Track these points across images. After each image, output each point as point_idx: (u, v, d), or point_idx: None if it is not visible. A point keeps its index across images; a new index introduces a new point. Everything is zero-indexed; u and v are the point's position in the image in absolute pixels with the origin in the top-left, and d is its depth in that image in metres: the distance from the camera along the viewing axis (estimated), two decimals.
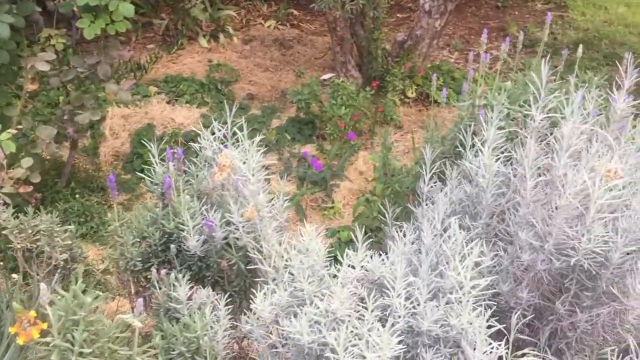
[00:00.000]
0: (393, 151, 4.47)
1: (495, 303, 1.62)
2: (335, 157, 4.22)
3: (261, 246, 1.71)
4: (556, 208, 1.42)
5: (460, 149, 2.15)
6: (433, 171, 1.91)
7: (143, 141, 4.26)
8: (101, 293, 1.30)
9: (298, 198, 3.72)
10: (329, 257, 1.78)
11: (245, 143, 1.74)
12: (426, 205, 1.85)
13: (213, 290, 1.79)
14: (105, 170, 4.07)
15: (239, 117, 4.81)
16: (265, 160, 4.31)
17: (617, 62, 5.98)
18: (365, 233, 3.63)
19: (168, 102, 4.93)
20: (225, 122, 4.76)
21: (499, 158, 1.82)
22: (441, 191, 1.92)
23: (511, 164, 1.88)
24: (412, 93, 5.17)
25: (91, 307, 1.23)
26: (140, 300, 1.30)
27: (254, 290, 1.67)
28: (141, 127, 4.49)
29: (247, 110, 5.01)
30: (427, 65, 5.40)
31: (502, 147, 1.93)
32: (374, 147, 4.53)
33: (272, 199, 2.01)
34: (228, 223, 1.73)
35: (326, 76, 5.38)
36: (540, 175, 1.60)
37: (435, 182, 2.00)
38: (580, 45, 2.56)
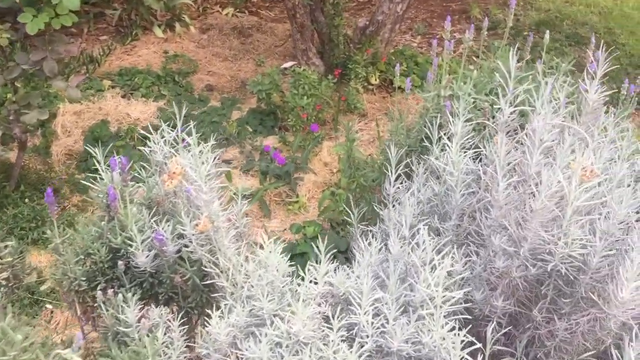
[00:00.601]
0: (358, 140, 4.37)
1: (469, 310, 1.53)
2: (299, 149, 4.09)
3: (217, 259, 1.58)
4: (531, 211, 1.32)
5: (427, 143, 2.05)
6: (398, 171, 1.80)
7: (95, 140, 4.11)
8: (34, 328, 1.17)
9: (261, 193, 3.59)
10: (292, 263, 1.66)
11: (195, 149, 1.59)
12: (393, 206, 1.74)
13: (167, 307, 1.66)
14: (57, 171, 3.88)
15: (198, 109, 4.66)
16: (225, 154, 4.16)
17: (579, 42, 5.97)
18: (332, 227, 3.54)
19: (123, 97, 4.74)
20: (184, 116, 4.59)
21: (468, 154, 1.72)
22: (408, 191, 1.81)
23: (480, 160, 1.78)
24: (376, 80, 5.07)
25: (22, 346, 1.09)
26: (79, 334, 1.17)
27: (212, 308, 1.55)
28: (95, 123, 4.30)
29: (206, 102, 4.85)
30: (389, 50, 5.30)
31: (469, 140, 1.83)
32: (338, 137, 4.42)
33: (230, 201, 1.88)
34: (181, 235, 1.60)
35: (287, 64, 5.23)
36: (512, 174, 1.50)
37: (401, 183, 1.89)
38: (547, 32, 2.47)
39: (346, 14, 6.30)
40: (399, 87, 5.01)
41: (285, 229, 3.52)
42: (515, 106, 1.71)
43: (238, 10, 6.35)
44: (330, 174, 3.97)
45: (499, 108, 1.89)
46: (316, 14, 4.98)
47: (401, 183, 1.92)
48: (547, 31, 2.38)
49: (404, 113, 2.69)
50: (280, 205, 3.70)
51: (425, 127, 2.34)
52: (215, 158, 2.12)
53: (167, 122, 4.29)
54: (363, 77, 4.74)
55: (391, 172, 1.74)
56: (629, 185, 1.52)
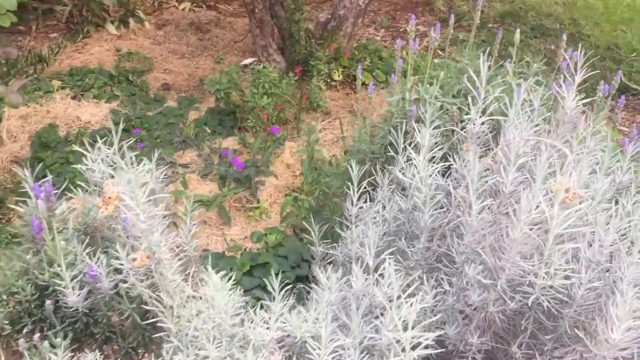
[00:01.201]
0: (321, 140, 4.21)
1: (441, 342, 1.38)
2: (260, 150, 3.91)
3: (159, 295, 1.40)
4: (509, 239, 1.18)
5: (392, 151, 1.89)
6: (361, 188, 1.64)
7: (42, 145, 3.87)
8: None
9: (220, 200, 3.40)
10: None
11: (130, 174, 1.41)
12: (356, 226, 1.58)
13: (106, 345, 1.49)
14: (1, 180, 3.65)
15: (153, 109, 4.44)
16: (182, 157, 3.96)
17: (545, 34, 5.88)
18: (295, 234, 3.37)
19: (73, 98, 4.50)
20: (138, 117, 4.37)
21: (437, 168, 1.57)
22: (373, 205, 1.65)
23: (450, 174, 1.63)
24: (339, 76, 4.91)
25: None
26: None
27: (155, 347, 1.38)
28: (42, 127, 4.06)
29: (162, 102, 4.63)
30: (353, 45, 5.14)
31: (437, 147, 1.68)
32: (301, 137, 4.25)
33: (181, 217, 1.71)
34: (118, 270, 1.41)
35: (247, 61, 5.04)
36: (486, 194, 1.35)
37: (365, 201, 1.73)
38: (518, 31, 2.33)
39: (308, 7, 6.13)
40: (363, 83, 4.86)
41: (246, 237, 3.35)
42: (487, 112, 1.56)
43: (195, 4, 6.13)
44: (292, 176, 3.80)
45: (468, 113, 1.75)
46: (276, 8, 4.80)
47: (365, 201, 1.77)
48: (517, 30, 2.24)
49: (369, 114, 2.54)
50: (241, 211, 3.53)
51: (389, 133, 2.19)
52: (161, 174, 1.94)
53: (119, 125, 4.08)
54: (325, 74, 4.58)
55: (353, 191, 1.58)
56: (616, 203, 1.39)
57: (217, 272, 3.08)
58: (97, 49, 5.39)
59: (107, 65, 5.02)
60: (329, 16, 4.65)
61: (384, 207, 1.62)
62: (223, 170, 3.60)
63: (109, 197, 1.45)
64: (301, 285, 3.04)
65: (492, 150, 1.64)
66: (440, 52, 5.58)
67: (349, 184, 1.59)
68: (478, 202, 1.27)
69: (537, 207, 1.16)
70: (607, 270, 1.21)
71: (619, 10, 5.92)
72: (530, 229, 1.15)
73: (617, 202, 1.47)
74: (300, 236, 3.28)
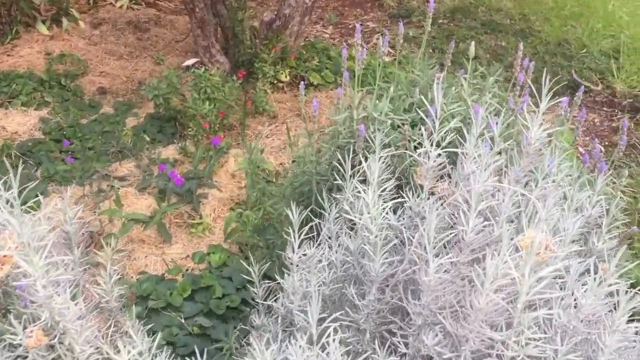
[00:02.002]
0: (268, 147, 4.01)
1: None
2: (202, 160, 3.68)
3: None
4: (472, 308, 1.01)
5: (338, 177, 1.71)
6: (305, 215, 1.45)
7: None
8: None
9: (159, 217, 3.17)
10: None
11: (25, 228, 1.18)
12: (299, 275, 1.38)
13: None
14: None
15: (88, 116, 4.16)
16: (118, 169, 3.71)
17: (495, 29, 5.78)
18: (241, 251, 3.16)
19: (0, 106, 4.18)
20: (70, 126, 4.08)
21: (388, 205, 1.39)
22: (317, 249, 1.46)
23: (403, 209, 1.45)
24: (286, 77, 4.70)
25: None
26: None
27: None
28: None
29: (97, 108, 4.35)
30: (300, 44, 4.93)
31: (388, 171, 1.51)
32: (247, 143, 4.04)
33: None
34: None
35: (189, 62, 4.78)
36: (445, 246, 1.18)
37: (310, 237, 1.54)
38: (473, 44, 2.15)
39: (253, 4, 5.90)
40: (312, 84, 4.67)
41: (188, 256, 3.12)
42: (443, 129, 1.39)
43: (134, 2, 5.83)
44: (238, 187, 3.59)
45: (420, 132, 1.57)
46: (218, 6, 4.56)
47: (310, 237, 1.58)
48: (473, 43, 2.07)
49: (313, 127, 2.35)
50: (182, 228, 3.30)
51: (337, 152, 2.00)
52: (76, 213, 1.73)
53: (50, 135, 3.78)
54: (271, 76, 4.36)
55: (294, 237, 1.39)
56: (585, 242, 1.23)
57: (157, 296, 2.85)
58: (27, 50, 5.06)
59: (38, 68, 4.70)
60: (274, 15, 4.44)
61: (330, 248, 1.44)
62: (162, 183, 3.37)
63: (4, 256, 1.22)
64: (247, 310, 2.85)
65: (449, 177, 1.47)
66: (391, 50, 5.42)
67: (290, 229, 1.40)
68: (436, 259, 1.10)
69: (505, 264, 0.99)
70: (586, 339, 1.06)
71: (568, 5, 5.86)
72: (498, 291, 0.98)
73: (586, 241, 1.32)
74: (246, 254, 3.07)
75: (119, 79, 4.82)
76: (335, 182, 1.73)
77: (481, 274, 0.95)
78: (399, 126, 1.99)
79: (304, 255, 1.36)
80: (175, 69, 4.22)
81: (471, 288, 1.10)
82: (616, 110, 4.61)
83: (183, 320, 2.66)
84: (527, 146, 1.28)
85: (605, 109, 4.66)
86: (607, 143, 4.31)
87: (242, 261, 2.99)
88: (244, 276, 2.87)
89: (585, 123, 4.47)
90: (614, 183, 2.06)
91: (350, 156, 1.79)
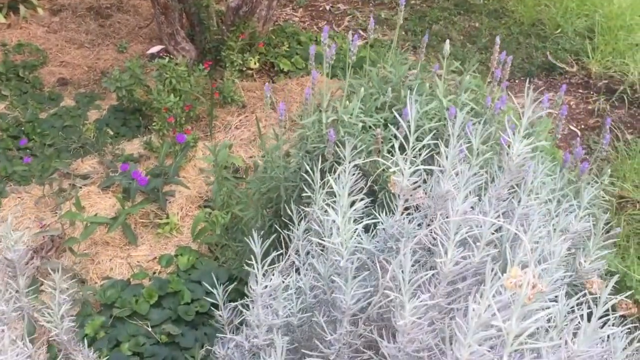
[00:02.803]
0: (237, 139, 3.87)
1: None
2: (169, 155, 3.53)
3: None
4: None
5: (307, 190, 1.59)
6: (266, 262, 1.33)
7: None
8: None
9: (123, 218, 3.02)
10: None
11: None
12: (263, 308, 1.27)
13: None
14: None
15: (48, 110, 3.97)
16: (80, 167, 3.54)
17: (468, 10, 5.67)
18: (211, 251, 3.04)
19: None
20: (29, 121, 3.89)
21: (360, 225, 1.27)
22: (286, 258, 1.35)
23: (374, 228, 1.34)
24: (255, 63, 4.55)
25: None
26: None
27: None
28: None
29: (58, 100, 4.16)
30: (269, 29, 4.77)
31: (360, 179, 1.39)
32: (216, 134, 3.90)
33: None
34: None
35: (154, 49, 4.59)
36: (420, 287, 1.07)
37: (275, 249, 1.42)
38: (447, 41, 2.02)
39: None
40: (282, 71, 4.53)
41: (155, 257, 2.99)
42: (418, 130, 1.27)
43: None
44: (207, 183, 3.45)
45: (394, 134, 1.46)
46: None
47: (275, 247, 1.47)
48: (447, 41, 1.94)
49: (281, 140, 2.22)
50: (149, 228, 3.16)
51: (305, 158, 1.88)
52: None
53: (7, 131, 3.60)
54: (239, 65, 4.20)
55: (257, 268, 1.27)
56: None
57: (122, 304, 2.70)
58: None
59: None
60: (240, 1, 4.26)
61: (298, 272, 1.32)
62: (126, 182, 3.22)
63: None
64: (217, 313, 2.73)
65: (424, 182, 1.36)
66: (363, 33, 5.29)
67: (253, 258, 1.28)
68: (413, 299, 0.99)
69: (489, 308, 0.89)
70: None
71: None
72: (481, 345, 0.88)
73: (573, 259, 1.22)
74: (216, 254, 2.95)
75: (80, 68, 4.63)
76: (303, 194, 1.61)
77: (463, 326, 0.84)
78: (370, 127, 1.87)
79: (269, 286, 1.24)
80: (138, 59, 4.05)
81: (451, 322, 0.99)
82: (592, 92, 4.54)
83: (150, 329, 2.54)
84: (509, 162, 1.17)
85: (580, 90, 4.58)
86: (583, 126, 4.24)
87: (212, 262, 2.88)
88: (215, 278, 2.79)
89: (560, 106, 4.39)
90: (596, 182, 1.98)
91: (320, 163, 1.68)
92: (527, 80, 4.63)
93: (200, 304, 2.65)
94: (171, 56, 4.25)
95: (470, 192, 1.13)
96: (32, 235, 2.99)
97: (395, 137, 1.81)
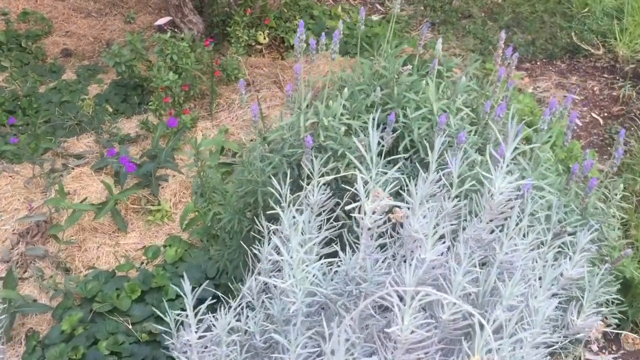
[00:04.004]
0: (239, 119, 3.71)
1: None
2: (165, 136, 3.39)
3: None
4: None
5: (275, 206, 1.43)
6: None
7: None
8: None
9: (112, 205, 2.90)
10: None
11: None
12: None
13: None
14: None
15: (49, 83, 3.85)
16: (76, 145, 3.42)
17: None
18: (202, 241, 2.91)
19: None
20: (26, 95, 3.76)
21: (317, 264, 1.12)
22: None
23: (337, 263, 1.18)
24: (265, 38, 4.36)
25: None
26: None
27: None
28: None
29: (59, 73, 4.04)
30: (281, 1, 4.57)
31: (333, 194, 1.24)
32: (218, 113, 3.75)
33: None
34: None
35: (162, 21, 4.43)
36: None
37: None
38: (440, 41, 1.81)
39: None
40: (292, 47, 4.34)
41: (145, 246, 2.88)
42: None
43: None
44: (188, 177, 3.31)
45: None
46: None
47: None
48: (440, 40, 1.74)
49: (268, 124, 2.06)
50: (140, 214, 3.04)
51: (282, 163, 1.72)
52: None
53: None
54: (245, 41, 4.02)
55: (190, 316, 1.12)
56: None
57: (102, 298, 2.57)
58: None
59: (0, 28, 4.37)
60: None
61: (251, 309, 1.18)
62: (117, 165, 3.09)
63: None
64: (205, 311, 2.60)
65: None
66: (380, 7, 5.06)
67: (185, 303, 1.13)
68: None
69: None
70: None
71: None
72: None
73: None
74: (207, 246, 2.82)
75: (85, 39, 4.49)
76: (271, 210, 1.45)
77: None
78: (356, 130, 1.70)
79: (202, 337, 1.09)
80: (138, 34, 3.90)
81: None
82: (618, 77, 4.27)
83: (130, 326, 2.43)
84: (490, 200, 1.00)
85: (605, 75, 4.32)
86: (606, 114, 4.00)
87: (202, 254, 2.75)
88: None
89: (583, 91, 4.15)
90: (606, 197, 1.79)
91: (299, 169, 1.53)
92: (550, 63, 4.38)
93: (185, 300, 2.53)
94: (177, 29, 4.08)
95: (441, 238, 0.96)
96: (18, 219, 2.89)
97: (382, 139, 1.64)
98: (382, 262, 1.07)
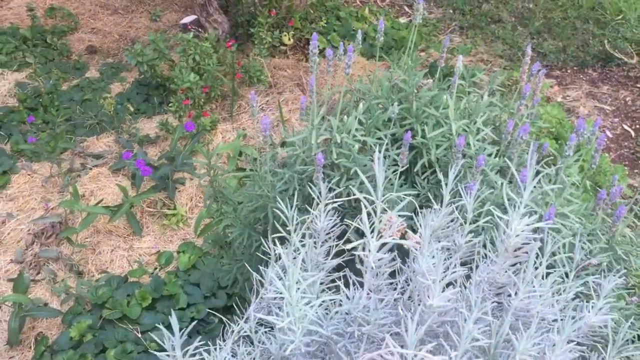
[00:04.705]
0: (260, 123, 3.65)
1: None
2: (183, 139, 3.35)
3: None
4: None
5: (281, 230, 1.37)
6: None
7: None
8: None
9: (127, 208, 2.87)
10: None
11: None
12: None
13: None
14: None
15: (72, 80, 3.83)
16: (96, 144, 3.40)
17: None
18: (218, 248, 2.85)
19: None
20: (49, 92, 3.75)
21: (318, 300, 1.05)
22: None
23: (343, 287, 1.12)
24: (290, 39, 4.30)
25: None
26: None
27: None
28: None
29: (83, 70, 4.02)
30: (307, 2, 4.50)
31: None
32: (239, 115, 3.69)
33: None
34: None
35: (187, 19, 4.39)
36: None
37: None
38: (460, 57, 1.71)
39: None
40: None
41: (159, 251, 2.83)
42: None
43: None
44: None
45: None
46: None
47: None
48: (460, 56, 1.66)
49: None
50: (155, 218, 3.00)
51: (293, 179, 1.66)
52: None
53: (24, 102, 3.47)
54: (268, 42, 3.96)
55: None
56: None
57: (113, 305, 2.52)
58: (17, 2, 4.73)
59: (26, 23, 4.37)
60: None
61: (251, 342, 1.11)
62: (134, 167, 3.05)
63: None
64: (214, 321, 2.55)
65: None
66: (407, 9, 4.96)
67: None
68: None
69: None
70: None
71: None
72: None
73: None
74: (221, 254, 2.77)
75: (110, 36, 4.47)
76: (283, 230, 1.39)
77: None
78: (371, 146, 1.63)
79: None
80: (162, 33, 3.86)
81: None
82: None
83: (140, 335, 2.39)
84: (505, 241, 0.93)
85: (639, 85, 4.18)
86: (638, 126, 3.86)
87: (216, 262, 2.70)
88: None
89: (615, 102, 4.02)
90: (635, 225, 1.70)
91: (306, 189, 1.46)
92: (580, 71, 4.25)
93: (196, 309, 2.49)
94: (200, 30, 4.04)
95: (450, 284, 0.89)
96: (33, 220, 2.87)
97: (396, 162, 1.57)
98: (388, 299, 1.00)
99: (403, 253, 1.24)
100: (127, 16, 4.71)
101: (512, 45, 4.39)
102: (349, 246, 0.99)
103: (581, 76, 4.21)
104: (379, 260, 0.96)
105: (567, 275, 1.17)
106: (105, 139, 3.46)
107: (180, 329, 2.41)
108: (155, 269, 2.74)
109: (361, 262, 0.99)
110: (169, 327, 2.42)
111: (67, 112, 3.55)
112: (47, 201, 3.01)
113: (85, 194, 3.02)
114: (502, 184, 1.54)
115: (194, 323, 1.54)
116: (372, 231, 0.97)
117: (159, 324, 2.38)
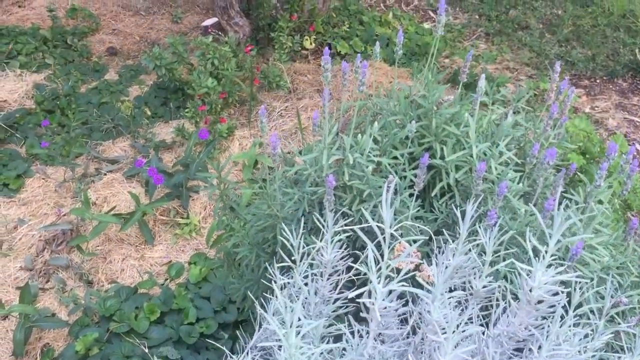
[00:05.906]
0: (278, 130, 3.58)
1: None
2: (199, 145, 3.29)
3: None
4: None
5: (286, 258, 1.29)
6: None
7: None
8: None
9: (139, 216, 2.81)
10: None
11: None
12: None
13: None
14: None
15: (91, 82, 3.79)
16: (112, 148, 3.34)
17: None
18: (230, 259, 2.78)
19: None
20: (67, 95, 3.71)
21: (319, 348, 0.96)
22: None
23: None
24: (311, 44, 4.23)
25: None
26: None
27: None
28: None
29: (103, 72, 3.98)
30: (329, 6, 4.42)
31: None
32: (257, 121, 3.61)
33: None
34: None
35: (208, 22, 4.33)
36: None
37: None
38: (483, 77, 1.60)
39: None
40: (339, 53, 4.18)
41: (171, 261, 2.77)
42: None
43: None
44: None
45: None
46: None
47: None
48: (483, 75, 1.55)
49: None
50: (168, 227, 2.94)
51: (302, 199, 1.57)
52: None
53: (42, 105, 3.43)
54: (289, 47, 3.88)
55: None
56: None
57: (120, 317, 2.46)
58: (39, 2, 4.71)
59: (47, 23, 4.35)
60: None
61: None
62: (147, 175, 2.99)
63: None
64: (225, 336, 2.47)
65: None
66: (431, 14, 4.86)
67: None
68: None
69: None
70: None
71: None
72: None
73: None
74: (231, 270, 2.69)
75: (131, 38, 4.43)
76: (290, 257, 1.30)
77: None
78: (386, 166, 1.54)
79: None
80: (181, 36, 3.80)
81: None
82: None
83: (147, 350, 2.32)
84: (527, 295, 0.83)
85: None
86: None
87: (227, 274, 2.62)
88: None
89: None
90: None
91: (320, 208, 1.38)
92: (610, 81, 4.10)
93: (206, 324, 2.41)
94: (220, 33, 3.97)
95: (464, 338, 0.80)
96: (44, 227, 2.82)
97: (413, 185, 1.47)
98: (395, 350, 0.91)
99: (415, 285, 1.15)
100: (149, 18, 4.67)
101: (539, 53, 4.26)
102: (350, 295, 0.90)
103: (610, 86, 4.07)
104: (384, 309, 0.88)
105: (593, 312, 1.07)
106: (121, 143, 3.41)
107: (188, 346, 2.34)
108: (166, 279, 2.67)
109: (366, 309, 0.91)
110: (177, 342, 2.38)
111: (83, 116, 3.50)
112: (60, 207, 2.97)
113: (99, 200, 2.97)
114: (525, 211, 1.44)
115: None
116: (380, 269, 0.88)
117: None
